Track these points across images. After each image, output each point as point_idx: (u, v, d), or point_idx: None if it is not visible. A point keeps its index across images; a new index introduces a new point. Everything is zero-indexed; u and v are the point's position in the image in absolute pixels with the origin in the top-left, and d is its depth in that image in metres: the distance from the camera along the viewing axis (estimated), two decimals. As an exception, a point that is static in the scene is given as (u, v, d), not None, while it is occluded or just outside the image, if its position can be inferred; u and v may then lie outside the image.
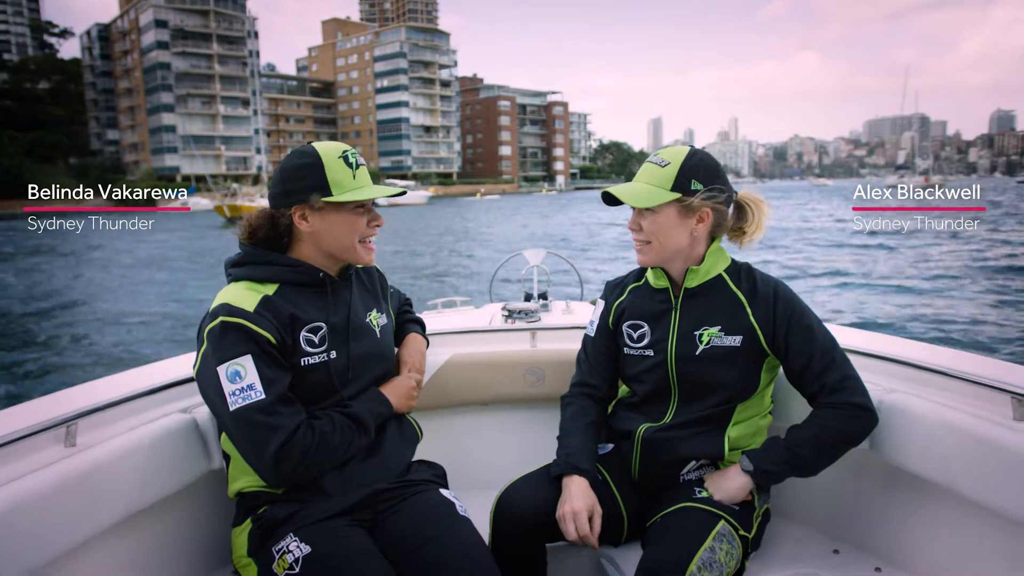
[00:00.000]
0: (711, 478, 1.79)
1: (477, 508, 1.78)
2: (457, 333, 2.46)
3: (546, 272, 2.98)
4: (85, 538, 1.45)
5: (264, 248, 1.69)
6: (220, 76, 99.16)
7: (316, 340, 1.64)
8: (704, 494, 1.75)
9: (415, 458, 1.88)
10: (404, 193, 1.76)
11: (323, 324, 1.66)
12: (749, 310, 1.76)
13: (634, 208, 1.77)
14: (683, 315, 1.81)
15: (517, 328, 2.50)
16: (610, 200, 1.78)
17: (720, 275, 1.81)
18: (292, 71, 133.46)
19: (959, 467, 1.57)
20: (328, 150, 1.65)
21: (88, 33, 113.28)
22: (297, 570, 1.49)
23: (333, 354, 1.67)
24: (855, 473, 1.95)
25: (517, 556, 1.75)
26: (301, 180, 1.63)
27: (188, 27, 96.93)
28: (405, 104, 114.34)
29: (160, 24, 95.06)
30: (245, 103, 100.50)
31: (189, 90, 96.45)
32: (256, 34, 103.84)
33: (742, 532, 1.70)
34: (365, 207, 1.69)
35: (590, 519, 1.72)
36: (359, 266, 1.84)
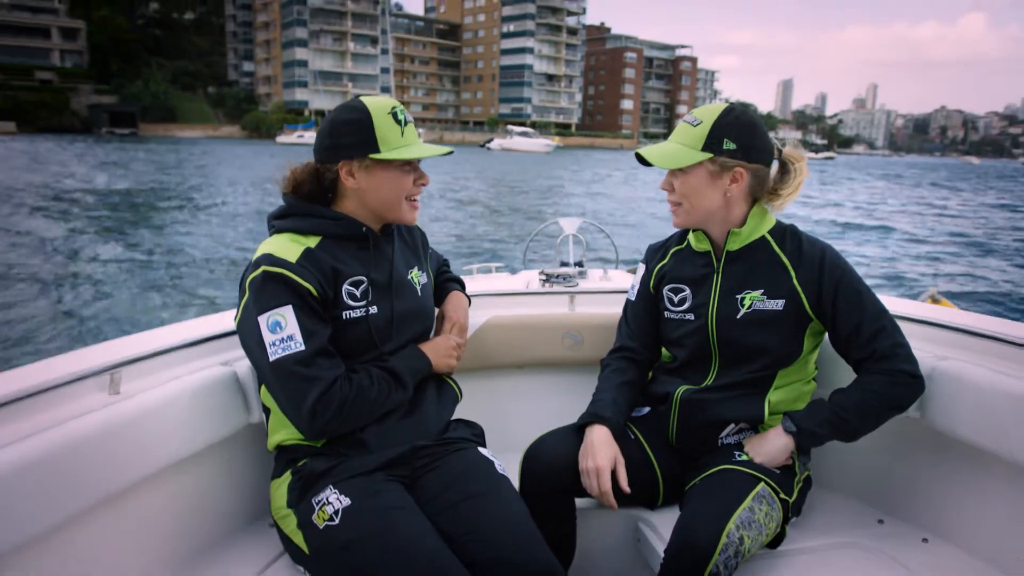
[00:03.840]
0: (750, 441, 1.77)
1: (513, 469, 1.79)
2: (495, 295, 2.45)
3: (582, 241, 2.91)
4: (128, 484, 1.48)
5: (308, 202, 1.69)
6: (352, 13, 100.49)
7: (358, 294, 1.65)
8: (744, 457, 1.73)
9: (454, 418, 1.88)
10: (451, 153, 1.74)
11: (365, 278, 1.67)
12: (793, 274, 1.73)
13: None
14: (725, 278, 1.79)
15: (556, 291, 2.48)
16: (644, 162, 1.77)
17: (764, 237, 1.77)
18: (420, 11, 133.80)
19: (1018, 436, 1.54)
20: (377, 106, 1.63)
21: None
22: (337, 521, 1.50)
23: (374, 309, 1.67)
24: (902, 441, 1.92)
25: (546, 510, 1.74)
26: (349, 135, 1.61)
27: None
28: (530, 51, 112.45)
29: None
30: (374, 42, 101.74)
31: (322, 26, 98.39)
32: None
33: (782, 495, 1.67)
34: (412, 165, 1.68)
35: (614, 473, 1.73)
36: (407, 224, 1.85)
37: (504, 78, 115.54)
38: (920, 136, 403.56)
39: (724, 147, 1.67)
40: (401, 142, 1.63)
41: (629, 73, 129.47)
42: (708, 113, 1.70)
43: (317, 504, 1.54)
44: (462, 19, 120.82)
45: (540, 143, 73.62)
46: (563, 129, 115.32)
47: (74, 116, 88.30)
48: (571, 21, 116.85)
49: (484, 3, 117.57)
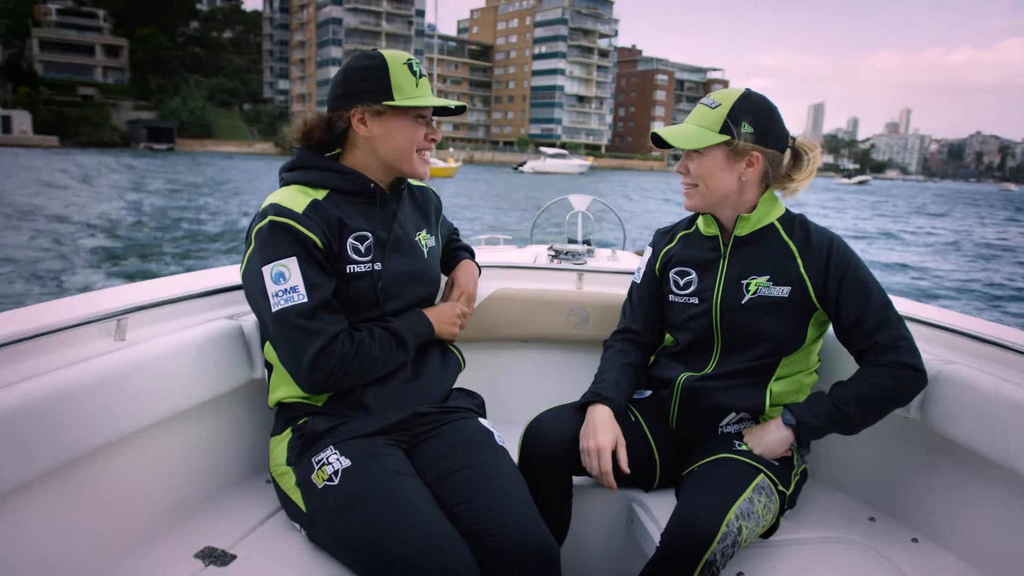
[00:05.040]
0: (750, 432, 1.76)
1: (512, 442, 1.77)
2: (502, 268, 2.44)
3: (591, 219, 2.92)
4: (128, 431, 1.47)
5: (318, 152, 1.69)
6: (386, 34, 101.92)
7: (362, 249, 1.64)
8: (744, 447, 1.73)
9: (455, 387, 1.87)
10: (464, 108, 1.74)
11: (370, 234, 1.65)
12: (800, 261, 1.72)
13: (684, 151, 1.76)
14: (731, 263, 1.79)
15: (564, 268, 2.47)
16: (659, 142, 1.77)
17: (772, 224, 1.77)
18: (453, 32, 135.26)
19: (1016, 444, 1.53)
20: (393, 55, 1.63)
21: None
22: (336, 482, 1.49)
23: (378, 265, 1.66)
24: (899, 442, 1.92)
25: (543, 486, 1.74)
26: (365, 81, 1.60)
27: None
28: (561, 72, 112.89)
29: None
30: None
31: (357, 45, 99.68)
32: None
33: (780, 488, 1.67)
34: (425, 118, 1.67)
35: (615, 454, 1.72)
36: (413, 182, 1.83)
37: (535, 99, 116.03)
38: (955, 162, 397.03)
39: (742, 130, 1.67)
40: (415, 92, 1.62)
41: (660, 95, 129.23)
42: (727, 96, 1.70)
43: (317, 463, 1.53)
44: (494, 40, 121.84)
45: (574, 164, 73.29)
46: (593, 150, 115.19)
47: (114, 131, 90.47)
48: (603, 43, 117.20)
49: (517, 25, 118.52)
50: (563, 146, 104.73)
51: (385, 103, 1.60)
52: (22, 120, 79.92)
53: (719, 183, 1.72)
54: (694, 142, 1.70)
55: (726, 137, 1.68)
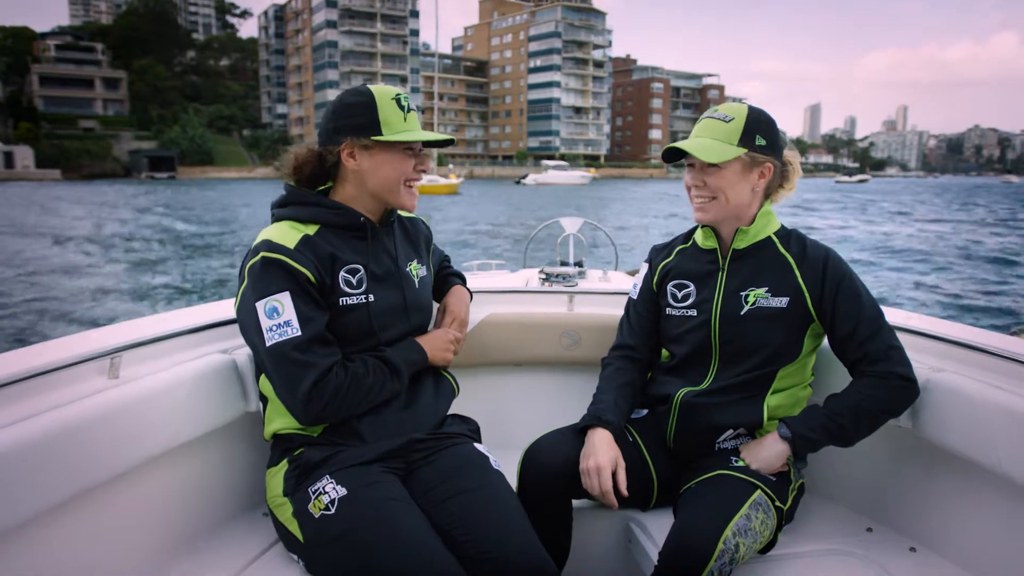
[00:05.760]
0: (747, 447, 1.77)
1: (508, 466, 1.78)
2: (494, 292, 2.46)
3: (582, 241, 2.94)
4: (125, 468, 1.47)
5: (308, 186, 1.72)
6: (382, 54, 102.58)
7: (354, 282, 1.66)
8: (740, 463, 1.74)
9: (450, 412, 1.88)
10: (452, 142, 1.76)
11: (362, 267, 1.68)
12: (798, 272, 1.76)
13: (696, 164, 1.77)
14: (730, 276, 1.81)
15: (554, 291, 2.50)
16: (670, 156, 1.78)
17: (769, 237, 1.81)
18: (448, 50, 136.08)
19: (1008, 450, 1.54)
20: (382, 91, 1.66)
21: (265, 13, 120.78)
22: (333, 511, 1.50)
23: (371, 297, 1.68)
24: (894, 452, 1.93)
25: (543, 511, 1.74)
26: (353, 117, 1.64)
27: (355, 6, 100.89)
28: (557, 84, 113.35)
29: (330, 3, 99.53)
30: (403, 81, 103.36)
31: (353, 67, 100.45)
32: (417, 13, 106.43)
33: (777, 503, 1.68)
34: (413, 150, 1.70)
35: (614, 474, 1.72)
36: (402, 214, 1.85)
37: (532, 112, 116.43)
38: (954, 156, 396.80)
39: (756, 142, 1.73)
40: (403, 127, 1.66)
41: (656, 103, 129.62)
42: (736, 111, 1.75)
43: (313, 493, 1.54)
44: (489, 56, 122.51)
45: (576, 175, 73.39)
46: (592, 160, 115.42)
47: (116, 162, 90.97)
48: (597, 54, 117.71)
49: (511, 40, 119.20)
50: (562, 157, 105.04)
51: (373, 138, 1.63)
52: (24, 155, 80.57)
53: (737, 194, 1.75)
54: (719, 155, 1.71)
55: (744, 149, 1.72)
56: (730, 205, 1.76)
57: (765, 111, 1.77)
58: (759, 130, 1.73)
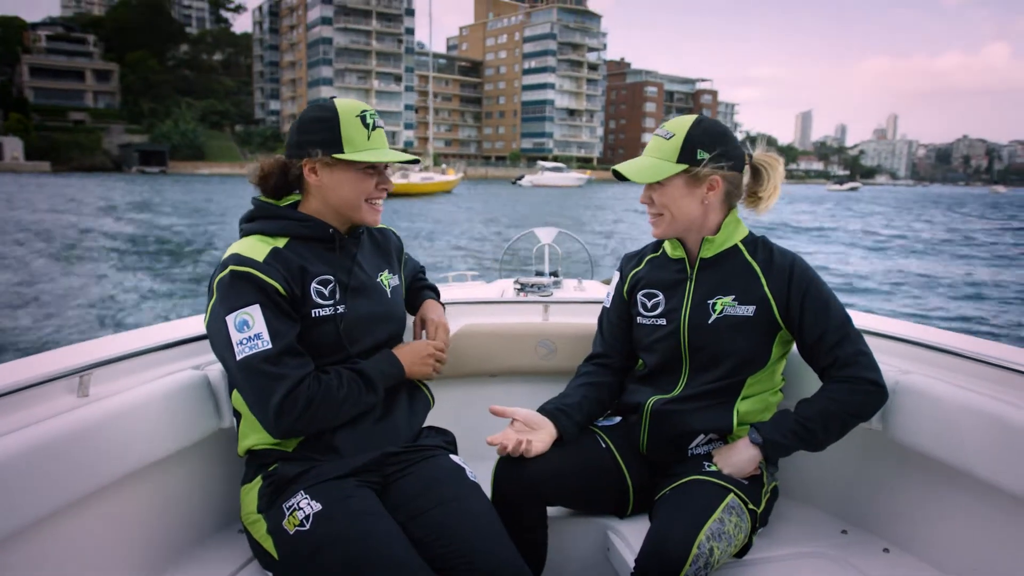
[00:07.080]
0: (719, 452, 1.79)
1: (485, 477, 1.78)
2: (469, 303, 2.48)
3: (558, 252, 2.97)
4: (95, 488, 1.45)
5: (275, 195, 1.72)
6: (376, 52, 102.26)
7: (326, 292, 1.65)
8: (713, 468, 1.75)
9: (425, 424, 1.88)
10: (417, 162, 1.78)
11: (332, 278, 1.67)
12: (764, 280, 1.77)
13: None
14: (698, 284, 1.83)
15: (530, 300, 2.52)
16: (620, 176, 1.81)
17: (736, 245, 1.82)
18: (443, 49, 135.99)
19: (975, 449, 1.56)
20: (347, 107, 1.64)
21: (260, 8, 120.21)
22: (308, 526, 1.49)
23: (342, 308, 1.67)
24: (866, 454, 1.96)
25: (518, 519, 1.74)
26: (315, 133, 1.63)
27: (350, 3, 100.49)
28: (551, 86, 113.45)
29: (325, 0, 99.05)
30: (397, 79, 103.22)
31: (347, 65, 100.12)
32: (412, 12, 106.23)
33: (751, 506, 1.70)
34: (376, 169, 1.68)
35: (528, 443, 1.75)
36: (369, 226, 1.86)
37: (526, 113, 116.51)
38: (943, 166, 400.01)
39: (698, 157, 1.72)
40: (366, 145, 1.64)
41: (650, 107, 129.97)
42: (679, 126, 1.75)
43: (288, 509, 1.53)
44: (483, 56, 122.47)
45: (572, 177, 73.44)
46: (585, 163, 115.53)
47: (106, 155, 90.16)
48: (591, 57, 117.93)
49: (506, 40, 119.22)
50: (555, 159, 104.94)
51: (334, 155, 1.62)
52: (14, 147, 79.79)
53: (683, 210, 1.76)
54: (653, 175, 1.74)
55: (684, 166, 1.72)
56: (677, 221, 1.78)
57: (716, 123, 1.78)
58: (702, 144, 1.72)
